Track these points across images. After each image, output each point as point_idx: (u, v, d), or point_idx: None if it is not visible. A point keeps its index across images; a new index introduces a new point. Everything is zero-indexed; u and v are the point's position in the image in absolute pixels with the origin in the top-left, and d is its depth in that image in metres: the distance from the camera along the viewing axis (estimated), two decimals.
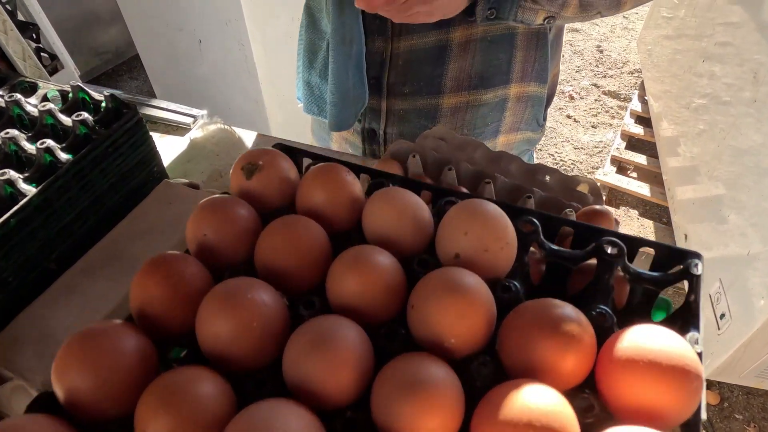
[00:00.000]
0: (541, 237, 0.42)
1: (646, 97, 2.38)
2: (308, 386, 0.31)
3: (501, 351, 0.35)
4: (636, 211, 2.10)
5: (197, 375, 0.31)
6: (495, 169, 0.69)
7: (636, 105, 2.36)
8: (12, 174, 0.53)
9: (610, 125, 2.47)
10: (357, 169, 0.50)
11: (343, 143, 0.91)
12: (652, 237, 1.86)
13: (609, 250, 0.39)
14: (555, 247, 0.42)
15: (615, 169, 2.10)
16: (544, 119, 0.89)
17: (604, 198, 1.98)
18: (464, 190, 0.64)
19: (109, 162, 0.61)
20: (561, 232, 0.45)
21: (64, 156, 0.57)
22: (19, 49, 0.76)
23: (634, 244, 0.41)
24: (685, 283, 0.39)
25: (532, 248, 0.42)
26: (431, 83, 0.75)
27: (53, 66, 0.83)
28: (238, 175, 0.47)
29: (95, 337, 0.32)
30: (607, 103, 2.58)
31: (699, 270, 0.38)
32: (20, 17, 0.80)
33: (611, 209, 0.58)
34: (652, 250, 0.42)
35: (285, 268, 0.39)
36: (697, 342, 0.32)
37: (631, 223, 1.90)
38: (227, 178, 0.76)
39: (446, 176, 0.65)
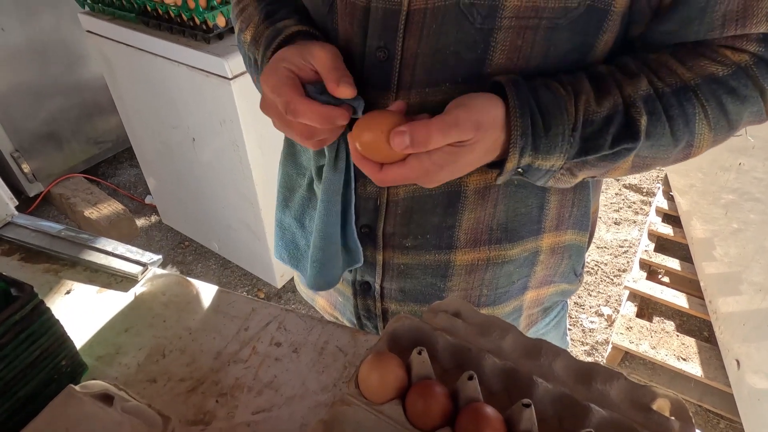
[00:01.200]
0: None
1: (671, 193, 2.21)
2: None
3: None
4: (672, 323, 1.87)
5: None
6: (533, 368, 0.50)
7: (661, 201, 2.19)
8: None
9: (634, 222, 2.29)
10: None
11: (333, 291, 0.73)
12: (696, 360, 1.62)
13: None
14: None
15: (645, 274, 1.89)
16: (583, 267, 0.71)
17: (634, 309, 1.73)
18: (489, 411, 0.44)
19: None
20: None
21: None
22: None
23: None
24: None
25: None
26: (440, 236, 0.57)
27: None
28: None
29: None
30: (629, 197, 2.42)
31: None
32: None
33: None
34: None
35: None
36: None
37: (670, 341, 1.67)
38: (171, 359, 0.57)
39: (465, 387, 0.46)
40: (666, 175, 2.32)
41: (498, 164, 0.47)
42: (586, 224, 0.63)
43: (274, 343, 0.58)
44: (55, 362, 0.49)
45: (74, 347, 0.51)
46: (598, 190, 0.68)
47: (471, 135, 0.42)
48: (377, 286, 0.64)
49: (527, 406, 0.43)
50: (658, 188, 2.34)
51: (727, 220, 1.75)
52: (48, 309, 0.47)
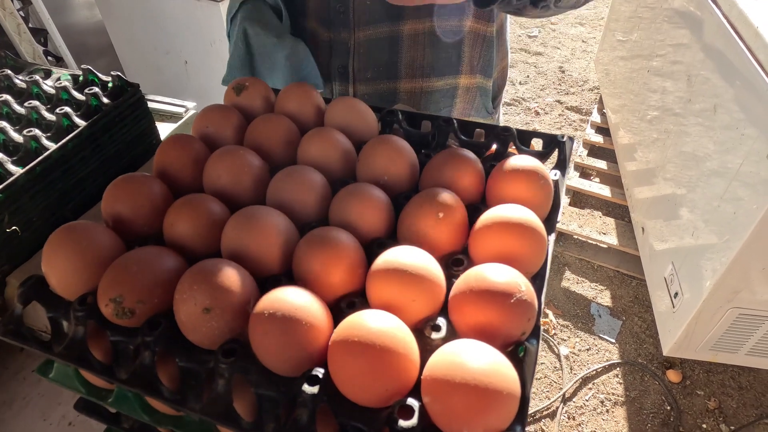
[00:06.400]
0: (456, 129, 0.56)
1: (604, 110, 2.56)
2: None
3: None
4: (599, 212, 2.24)
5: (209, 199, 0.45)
6: None
7: (596, 117, 2.54)
8: (36, 132, 0.63)
9: (574, 136, 2.64)
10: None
11: None
12: (614, 233, 2.00)
13: (503, 134, 0.54)
14: (465, 138, 0.56)
15: (578, 174, 2.25)
16: (495, 107, 1.02)
17: (568, 199, 2.12)
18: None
19: (116, 130, 0.71)
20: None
21: (79, 121, 0.67)
22: (30, 51, 0.86)
23: (525, 135, 0.55)
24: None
25: (452, 141, 0.56)
26: (389, 69, 0.87)
27: (58, 66, 0.94)
28: (230, 93, 0.59)
29: (133, 180, 0.44)
30: (570, 117, 2.76)
31: (563, 139, 0.53)
32: (32, 24, 0.89)
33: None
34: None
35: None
36: (555, 175, 0.46)
37: (594, 222, 2.04)
38: None
39: None
40: (601, 97, 2.66)
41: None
42: (490, 72, 0.94)
43: None
44: (150, 139, 0.78)
45: (159, 134, 0.80)
46: (502, 51, 0.98)
47: None
48: None
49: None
50: (595, 108, 2.69)
51: (649, 131, 2.08)
52: (146, 101, 0.75)
